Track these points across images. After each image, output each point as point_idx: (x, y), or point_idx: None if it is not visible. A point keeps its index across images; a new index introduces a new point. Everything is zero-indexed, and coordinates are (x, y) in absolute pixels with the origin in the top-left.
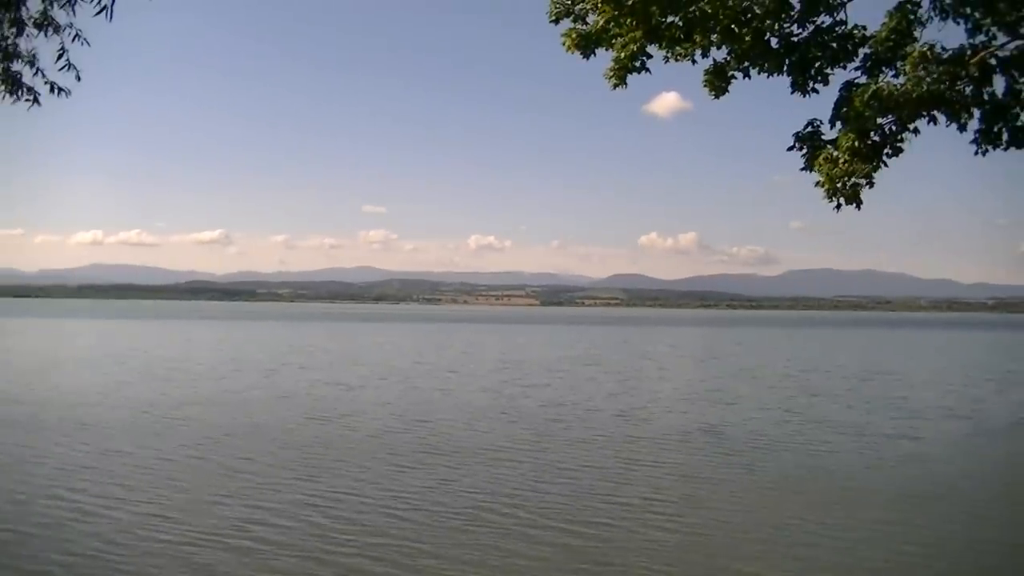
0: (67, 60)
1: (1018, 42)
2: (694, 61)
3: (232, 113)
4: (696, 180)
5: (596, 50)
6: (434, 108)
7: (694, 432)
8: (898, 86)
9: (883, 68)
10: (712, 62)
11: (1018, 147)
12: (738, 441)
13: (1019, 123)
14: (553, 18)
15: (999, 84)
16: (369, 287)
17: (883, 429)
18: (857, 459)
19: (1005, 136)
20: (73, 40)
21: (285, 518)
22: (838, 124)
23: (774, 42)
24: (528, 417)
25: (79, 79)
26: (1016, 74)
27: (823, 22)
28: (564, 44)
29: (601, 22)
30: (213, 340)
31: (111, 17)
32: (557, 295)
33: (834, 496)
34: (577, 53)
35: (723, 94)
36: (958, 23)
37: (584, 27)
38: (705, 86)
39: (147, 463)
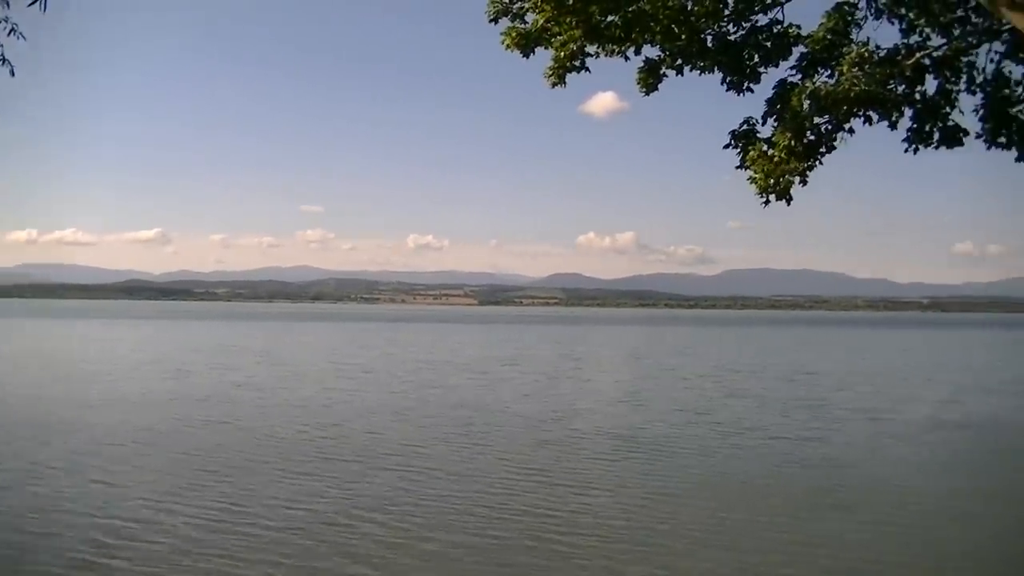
0: (1, 55)
1: (951, 43)
2: (626, 58)
3: (168, 112)
4: (634, 180)
5: (535, 49)
6: (371, 107)
7: (599, 435)
8: (834, 86)
9: (818, 68)
10: (644, 59)
11: (949, 146)
12: (642, 444)
13: (950, 123)
14: (492, 17)
15: (931, 84)
16: (307, 286)
17: (794, 431)
18: (757, 462)
19: (936, 135)
20: (9, 34)
21: (156, 531)
22: (772, 121)
23: (710, 41)
24: (434, 420)
25: (13, 74)
26: (948, 74)
27: (759, 21)
28: (504, 43)
29: (541, 21)
30: (137, 340)
31: (45, 8)
32: (495, 295)
33: (726, 500)
34: (517, 52)
35: (654, 91)
36: (893, 23)
37: (524, 26)
38: (637, 83)
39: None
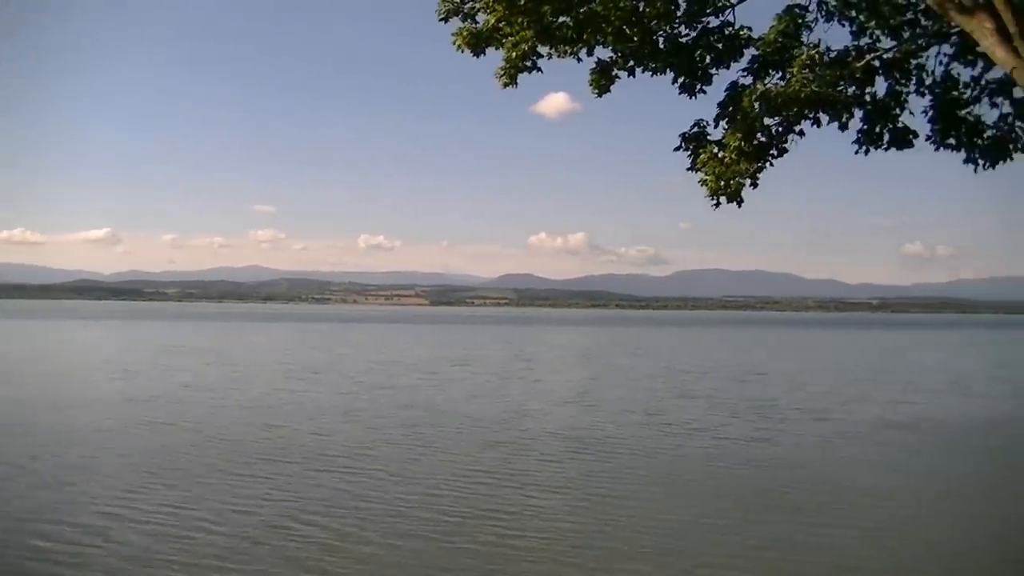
0: None
1: (901, 45)
2: (579, 59)
3: (118, 112)
4: (585, 181)
5: (487, 49)
6: (322, 107)
7: (548, 436)
8: (784, 87)
9: (769, 70)
10: (597, 61)
11: (899, 148)
12: (591, 445)
13: (900, 124)
14: (442, 16)
15: (881, 86)
16: (258, 286)
17: (744, 432)
18: (706, 463)
19: (886, 137)
20: None
21: (99, 536)
22: (723, 124)
23: (662, 42)
24: (383, 421)
25: None
26: (898, 76)
27: (710, 23)
28: (455, 43)
29: (492, 21)
30: (86, 340)
31: None
32: (447, 295)
33: (674, 501)
34: (468, 52)
35: (606, 92)
36: (843, 26)
37: (475, 26)
38: (590, 84)
39: None
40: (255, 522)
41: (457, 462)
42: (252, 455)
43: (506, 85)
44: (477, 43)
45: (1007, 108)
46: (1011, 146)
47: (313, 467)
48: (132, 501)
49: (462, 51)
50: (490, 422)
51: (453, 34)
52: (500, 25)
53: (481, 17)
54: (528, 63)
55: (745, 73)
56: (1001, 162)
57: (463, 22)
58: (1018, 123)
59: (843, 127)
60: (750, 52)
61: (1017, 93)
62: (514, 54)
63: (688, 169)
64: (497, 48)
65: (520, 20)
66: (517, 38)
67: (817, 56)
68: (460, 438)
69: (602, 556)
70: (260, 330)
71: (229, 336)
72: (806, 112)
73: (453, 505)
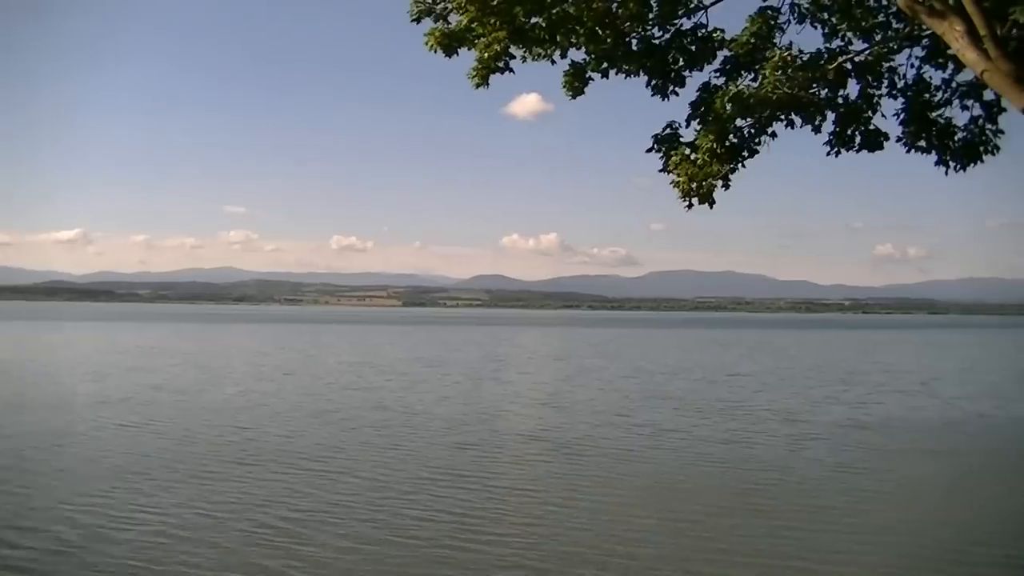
0: None
1: (873, 48)
2: (553, 61)
3: (90, 111)
4: (557, 181)
5: (459, 50)
6: (294, 108)
7: (519, 438)
8: (757, 89)
9: (742, 71)
10: (571, 63)
11: (870, 150)
12: (561, 446)
13: (872, 127)
14: (414, 17)
15: (853, 88)
16: (230, 287)
17: (714, 433)
18: (676, 464)
19: (858, 139)
20: None
21: (61, 539)
22: (696, 126)
23: (635, 44)
24: (353, 422)
25: None
26: (870, 79)
27: (683, 25)
28: (427, 43)
29: (465, 22)
30: (57, 342)
31: None
32: (420, 296)
33: (644, 502)
34: (440, 52)
35: (580, 94)
36: (816, 28)
37: (447, 26)
38: (564, 87)
39: None
40: (221, 526)
41: (427, 464)
42: (219, 457)
43: (478, 86)
44: (449, 44)
45: (977, 110)
46: (981, 148)
47: (282, 469)
48: (98, 502)
49: (434, 52)
50: (461, 424)
51: (425, 35)
52: (472, 26)
53: (454, 18)
54: (500, 64)
55: (718, 75)
56: (972, 164)
57: (435, 22)
58: (988, 125)
59: (816, 129)
60: (723, 54)
61: (987, 95)
62: (486, 55)
63: (660, 170)
64: (469, 49)
65: (492, 21)
66: (489, 39)
67: (789, 58)
68: (430, 440)
69: (572, 559)
70: (232, 331)
71: (200, 338)
72: (778, 114)
73: (423, 508)
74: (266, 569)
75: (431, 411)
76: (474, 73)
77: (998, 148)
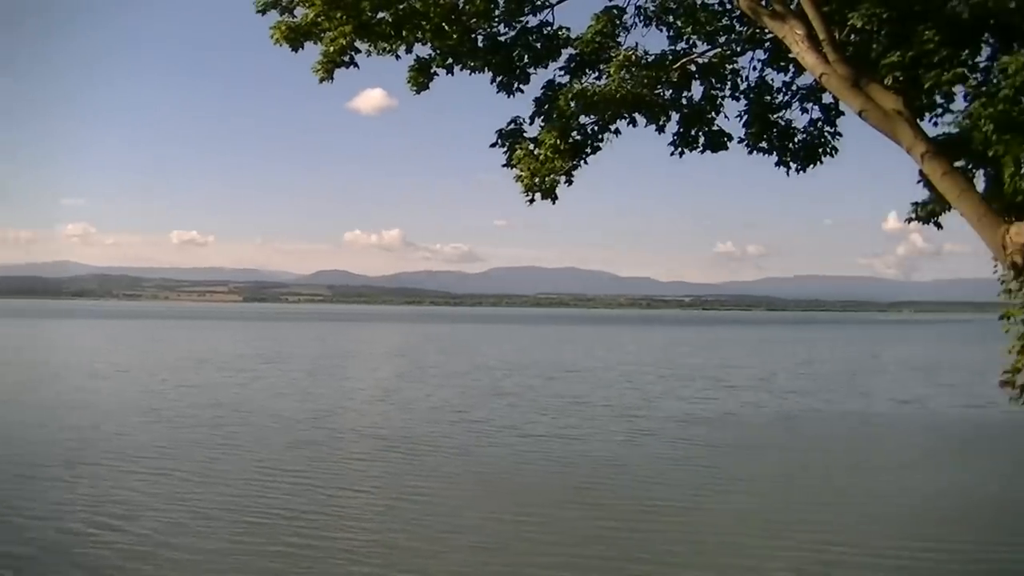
0: None
1: (716, 51)
2: (398, 57)
3: None
4: (401, 177)
5: (305, 43)
6: (134, 99)
7: (356, 435)
8: (601, 87)
9: (586, 69)
10: (416, 58)
11: (713, 151)
12: (398, 444)
13: (715, 128)
14: (260, 9)
15: (697, 90)
16: (68, 282)
17: (552, 429)
18: (513, 461)
19: (702, 139)
20: None
21: None
22: (540, 122)
23: (481, 41)
24: (188, 420)
25: None
26: (713, 81)
27: (529, 23)
28: (273, 36)
29: (311, 15)
30: None
31: None
32: (261, 291)
33: (480, 500)
34: (286, 45)
35: (425, 89)
36: (661, 30)
37: (293, 20)
38: (408, 82)
39: None
40: (47, 527)
41: (262, 462)
42: (51, 456)
43: (323, 80)
44: (295, 37)
45: (816, 113)
46: (820, 150)
47: (114, 468)
48: None
49: (280, 45)
50: (297, 421)
51: (271, 28)
52: (319, 20)
53: (300, 11)
54: (346, 58)
55: (562, 72)
56: (811, 165)
57: (281, 15)
58: (827, 128)
59: (660, 129)
60: (568, 52)
61: (826, 99)
62: (332, 49)
63: (504, 166)
64: (315, 43)
65: (339, 15)
66: (335, 33)
67: (634, 58)
68: (266, 437)
69: (409, 557)
70: (68, 327)
71: (33, 334)
72: (622, 112)
73: (256, 506)
74: (98, 572)
75: (267, 408)
76: (319, 67)
77: (836, 150)
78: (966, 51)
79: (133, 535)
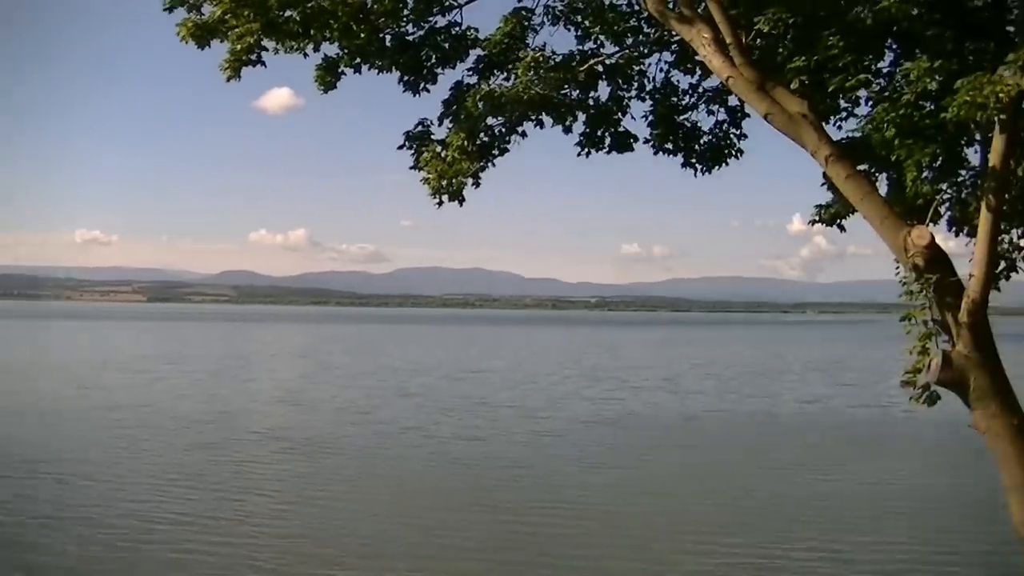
0: None
1: (624, 51)
2: (305, 55)
3: None
4: (307, 177)
5: (211, 41)
6: (35, 92)
7: (258, 437)
8: (509, 88)
9: (495, 71)
10: (323, 57)
11: (619, 151)
12: (301, 445)
13: (621, 128)
14: (167, 6)
15: (604, 91)
16: None
17: (456, 430)
18: (416, 462)
19: (608, 140)
20: None
21: None
22: (447, 123)
23: (389, 40)
24: (86, 423)
25: None
26: (620, 82)
27: (437, 23)
28: (179, 34)
29: (218, 13)
30: None
31: None
32: (165, 291)
33: (381, 501)
34: (192, 43)
35: (332, 89)
36: (569, 30)
37: (200, 17)
38: (315, 81)
39: None
40: None
41: (161, 464)
42: None
43: (230, 78)
44: (202, 35)
45: (722, 115)
46: (726, 151)
47: (6, 472)
48: None
49: (186, 43)
50: (198, 422)
51: (177, 25)
52: (226, 17)
53: (207, 8)
54: (253, 57)
55: (470, 73)
56: (717, 167)
57: (188, 13)
58: (732, 130)
59: (566, 130)
60: (476, 53)
61: (732, 101)
62: (239, 47)
63: (411, 167)
64: (222, 41)
65: (246, 13)
66: (242, 30)
67: (542, 59)
68: (166, 440)
69: (309, 559)
70: None
71: None
72: (529, 113)
73: (154, 510)
74: None
75: (169, 410)
76: (226, 65)
77: (741, 152)
78: (870, 57)
79: (22, 542)
